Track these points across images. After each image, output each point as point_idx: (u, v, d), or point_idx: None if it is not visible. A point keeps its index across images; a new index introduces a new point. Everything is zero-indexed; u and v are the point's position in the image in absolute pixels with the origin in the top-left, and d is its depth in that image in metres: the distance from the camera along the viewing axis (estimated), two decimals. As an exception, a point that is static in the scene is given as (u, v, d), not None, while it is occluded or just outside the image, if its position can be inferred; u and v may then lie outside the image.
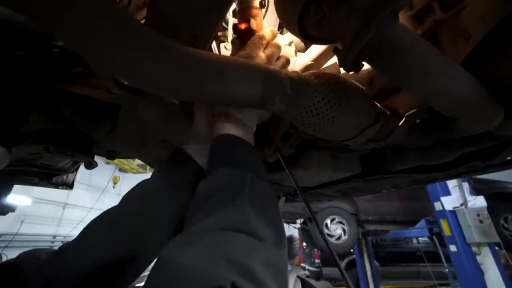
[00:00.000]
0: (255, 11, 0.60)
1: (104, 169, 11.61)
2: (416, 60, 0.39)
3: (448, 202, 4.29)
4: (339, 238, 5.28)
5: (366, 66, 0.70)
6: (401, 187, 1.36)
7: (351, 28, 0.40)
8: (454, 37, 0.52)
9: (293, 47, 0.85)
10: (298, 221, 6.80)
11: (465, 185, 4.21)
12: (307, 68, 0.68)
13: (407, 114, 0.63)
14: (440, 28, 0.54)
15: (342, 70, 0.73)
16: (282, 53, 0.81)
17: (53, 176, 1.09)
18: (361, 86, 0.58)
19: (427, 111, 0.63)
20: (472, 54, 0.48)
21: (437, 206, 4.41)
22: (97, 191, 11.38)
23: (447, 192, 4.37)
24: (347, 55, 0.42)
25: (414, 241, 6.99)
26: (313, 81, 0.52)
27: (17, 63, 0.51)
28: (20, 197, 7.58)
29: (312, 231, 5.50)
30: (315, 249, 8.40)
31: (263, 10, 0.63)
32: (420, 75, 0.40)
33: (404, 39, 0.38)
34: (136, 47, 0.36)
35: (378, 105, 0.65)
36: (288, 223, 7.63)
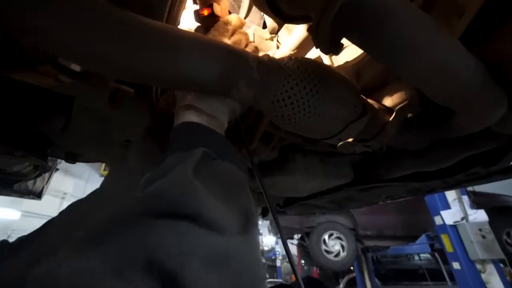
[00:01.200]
0: (216, -5, 0.53)
1: (98, 182, 11.36)
2: (405, 29, 0.32)
3: (449, 216, 4.18)
4: (337, 255, 5.07)
5: (351, 56, 0.64)
6: (398, 198, 1.26)
7: None
8: (447, 14, 0.45)
9: (274, 42, 0.80)
10: (296, 236, 6.58)
11: (465, 198, 4.11)
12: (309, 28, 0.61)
13: (397, 107, 0.56)
14: (432, 4, 0.47)
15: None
16: (261, 46, 0.75)
17: (13, 182, 0.99)
18: (343, 74, 0.51)
19: (420, 105, 0.56)
20: (468, 34, 0.41)
21: (438, 220, 4.29)
22: (89, 204, 11.06)
23: (447, 206, 4.26)
24: (319, 28, 0.35)
25: (416, 257, 6.76)
26: (286, 64, 0.44)
27: None
28: (7, 210, 7.30)
29: (310, 247, 5.29)
30: (314, 267, 8.07)
31: None
32: (411, 48, 0.33)
33: (389, 3, 0.31)
34: (63, 13, 0.29)
35: (365, 98, 0.57)
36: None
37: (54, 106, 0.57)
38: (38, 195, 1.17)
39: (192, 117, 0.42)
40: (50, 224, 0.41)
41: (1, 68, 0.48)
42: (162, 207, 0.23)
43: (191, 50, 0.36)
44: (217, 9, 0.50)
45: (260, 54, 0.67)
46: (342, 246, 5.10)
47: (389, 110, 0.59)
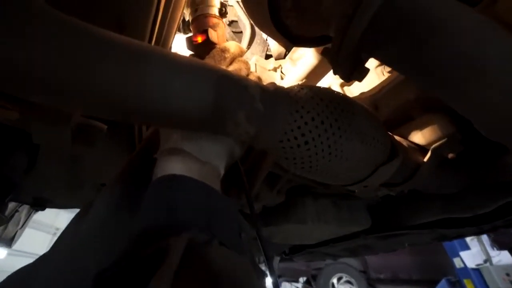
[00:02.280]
0: (214, 20, 0.47)
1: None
2: (463, 42, 0.22)
3: (469, 258, 3.83)
4: (349, 302, 4.56)
5: (366, 86, 0.56)
6: (422, 244, 1.10)
7: (339, 9, 0.25)
8: None
9: (278, 73, 0.73)
10: (301, 279, 6.05)
11: (484, 237, 3.81)
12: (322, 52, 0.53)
13: (433, 146, 0.45)
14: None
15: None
16: (264, 78, 0.68)
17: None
18: (367, 107, 0.42)
19: (462, 143, 0.45)
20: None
21: (457, 263, 3.93)
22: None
23: (465, 246, 3.94)
24: (344, 44, 0.26)
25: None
26: (297, 93, 0.35)
27: None
28: (-9, 249, 6.86)
29: (317, 292, 4.80)
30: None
31: (225, 21, 0.51)
32: (472, 66, 0.23)
33: (437, 8, 0.23)
34: None
35: (392, 136, 0.47)
36: (289, 281, 6.80)
37: (15, 144, 0.47)
38: (8, 242, 1.01)
39: (176, 166, 0.31)
40: None
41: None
42: None
43: (170, 69, 0.26)
44: (213, 35, 0.43)
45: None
46: (353, 292, 4.61)
47: (421, 148, 0.48)
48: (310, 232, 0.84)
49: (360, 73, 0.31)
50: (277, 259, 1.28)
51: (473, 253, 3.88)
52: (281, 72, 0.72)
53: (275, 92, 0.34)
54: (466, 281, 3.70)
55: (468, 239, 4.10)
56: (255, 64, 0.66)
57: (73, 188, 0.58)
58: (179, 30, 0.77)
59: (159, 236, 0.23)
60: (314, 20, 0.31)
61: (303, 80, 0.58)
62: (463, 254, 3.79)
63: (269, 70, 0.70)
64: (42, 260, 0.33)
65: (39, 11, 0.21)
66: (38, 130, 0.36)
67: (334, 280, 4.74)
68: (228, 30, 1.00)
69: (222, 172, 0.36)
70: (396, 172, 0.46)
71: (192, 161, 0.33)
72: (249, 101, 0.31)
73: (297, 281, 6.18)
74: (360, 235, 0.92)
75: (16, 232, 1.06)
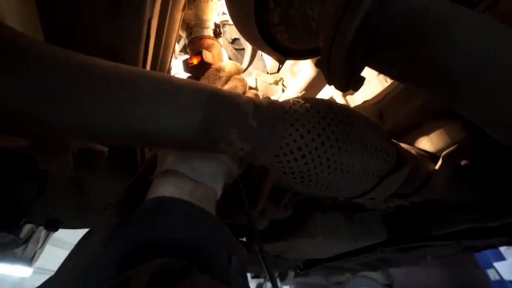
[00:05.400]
0: (209, 41, 0.48)
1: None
2: (461, 41, 0.21)
3: (506, 270, 3.52)
4: (374, 319, 4.27)
5: (369, 94, 0.54)
6: (450, 256, 1.02)
7: (330, 16, 0.24)
8: None
9: (280, 86, 0.73)
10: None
11: (521, 246, 3.50)
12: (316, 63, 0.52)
13: (444, 153, 0.42)
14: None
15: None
16: (265, 91, 0.68)
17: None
18: (368, 116, 0.40)
19: (475, 150, 0.42)
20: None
21: (492, 275, 3.61)
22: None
23: (499, 257, 3.63)
24: (333, 54, 0.25)
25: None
26: (292, 107, 0.34)
27: None
28: (17, 267, 7.10)
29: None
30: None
31: (220, 40, 0.52)
32: (471, 67, 0.21)
33: (437, 9, 0.22)
34: None
35: (399, 144, 0.45)
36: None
37: (26, 170, 0.50)
38: (29, 261, 1.05)
39: (168, 188, 0.31)
40: None
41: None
42: None
43: (154, 91, 0.26)
44: (207, 56, 0.44)
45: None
46: (378, 308, 4.32)
47: (433, 156, 0.45)
48: (322, 246, 0.80)
49: (356, 83, 0.30)
50: (291, 274, 1.23)
51: (510, 263, 3.56)
52: (283, 85, 0.72)
53: (269, 107, 0.33)
54: (504, 296, 3.38)
55: (502, 248, 3.78)
56: (256, 79, 0.67)
57: (82, 209, 0.59)
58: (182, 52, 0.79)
59: (131, 264, 0.22)
60: (304, 32, 0.30)
61: (303, 92, 0.58)
62: (497, 265, 3.49)
63: (270, 83, 0.70)
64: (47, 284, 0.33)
65: (16, 45, 0.21)
66: (40, 157, 0.37)
67: (357, 296, 4.47)
68: (230, 48, 1.02)
69: (219, 192, 0.36)
70: (407, 181, 0.44)
71: (185, 182, 0.32)
72: (242, 118, 0.30)
73: (316, 297, 5.90)
74: (377, 248, 0.87)
75: (36, 251, 1.09)
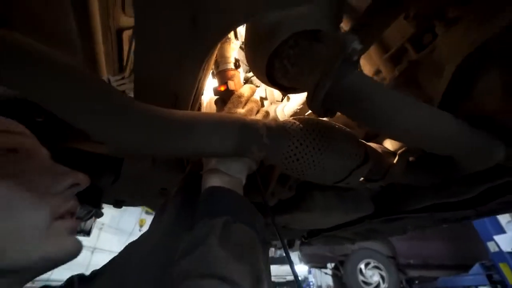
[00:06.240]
0: (231, 73, 0.66)
1: (132, 212, 11.93)
2: (378, 105, 0.39)
3: (505, 242, 3.70)
4: (377, 286, 4.63)
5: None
6: (426, 227, 1.21)
7: (312, 80, 0.42)
8: (430, 76, 0.52)
9: (285, 97, 0.90)
10: (329, 265, 6.16)
11: (521, 220, 3.64)
12: (295, 113, 0.70)
13: (399, 152, 0.61)
14: (416, 68, 0.54)
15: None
16: (273, 100, 0.85)
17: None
18: (344, 127, 0.58)
19: (420, 149, 0.60)
20: (451, 94, 0.47)
21: (492, 247, 3.81)
22: (124, 234, 11.56)
23: (500, 230, 3.80)
24: (312, 104, 0.44)
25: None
26: (291, 127, 0.53)
27: (36, 127, 0.59)
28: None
29: (345, 278, 4.91)
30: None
31: (240, 70, 0.69)
32: (386, 119, 0.39)
33: (362, 86, 0.39)
34: (98, 111, 0.40)
35: (369, 145, 0.63)
36: (318, 268, 6.92)
37: (105, 164, 0.72)
38: (88, 233, 1.34)
39: (215, 180, 0.51)
40: (111, 263, 0.51)
41: (65, 140, 0.63)
42: (201, 270, 0.33)
43: (205, 130, 0.46)
44: (231, 85, 0.62)
45: (271, 107, 0.77)
46: (382, 277, 4.66)
47: (393, 153, 0.64)
48: (319, 219, 1.01)
49: (331, 115, 0.48)
50: (297, 242, 1.48)
51: (509, 236, 3.73)
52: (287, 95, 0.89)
53: (276, 129, 0.52)
54: (501, 265, 3.59)
55: (503, 222, 3.93)
56: (265, 90, 0.84)
57: (142, 192, 0.82)
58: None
59: (207, 221, 0.43)
60: (296, 84, 0.48)
61: (304, 102, 0.75)
62: (497, 238, 3.67)
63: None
64: (134, 244, 0.55)
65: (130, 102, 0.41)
66: (127, 163, 0.58)
67: (362, 266, 4.79)
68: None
69: (244, 181, 0.56)
70: (374, 171, 0.63)
71: (224, 176, 0.53)
72: (259, 139, 0.49)
73: (325, 267, 6.31)
74: (364, 220, 1.08)
75: (92, 225, 1.38)
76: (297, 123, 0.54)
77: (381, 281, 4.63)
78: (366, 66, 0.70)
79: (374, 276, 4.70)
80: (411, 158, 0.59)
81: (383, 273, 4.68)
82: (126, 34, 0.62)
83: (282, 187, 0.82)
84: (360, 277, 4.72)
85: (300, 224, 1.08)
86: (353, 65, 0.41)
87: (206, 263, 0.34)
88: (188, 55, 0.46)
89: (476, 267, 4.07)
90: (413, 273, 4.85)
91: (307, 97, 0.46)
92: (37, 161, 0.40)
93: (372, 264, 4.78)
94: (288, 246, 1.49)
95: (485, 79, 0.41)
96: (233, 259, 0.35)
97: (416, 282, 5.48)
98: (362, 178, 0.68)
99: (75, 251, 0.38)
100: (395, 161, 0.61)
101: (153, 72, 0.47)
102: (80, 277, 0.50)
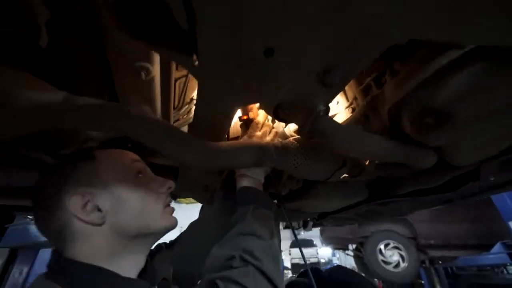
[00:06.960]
0: (250, 106, 0.94)
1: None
2: (336, 139, 0.66)
3: (527, 221, 3.70)
4: (397, 265, 4.83)
5: (340, 120, 0.97)
6: (418, 208, 1.45)
7: (299, 122, 0.70)
8: (383, 108, 0.77)
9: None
10: (351, 247, 6.41)
11: (545, 199, 3.61)
12: (297, 129, 0.98)
13: (369, 157, 0.87)
14: (376, 100, 0.79)
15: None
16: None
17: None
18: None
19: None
20: (392, 122, 0.72)
21: (513, 226, 3.82)
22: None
23: (523, 209, 3.79)
24: (301, 134, 0.72)
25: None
26: (291, 146, 0.82)
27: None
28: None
29: (366, 258, 5.16)
30: (375, 279, 7.60)
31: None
32: (345, 146, 0.67)
33: (327, 128, 0.66)
34: (171, 143, 0.72)
35: (349, 151, 0.90)
36: (339, 249, 7.17)
37: (168, 172, 1.06)
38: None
39: (245, 182, 0.83)
40: (181, 234, 0.87)
41: (144, 158, 0.97)
42: (244, 231, 0.65)
43: (238, 154, 0.75)
44: (251, 115, 0.92)
45: (280, 124, 1.05)
46: (402, 256, 4.84)
47: (366, 157, 0.90)
48: (324, 204, 1.30)
49: (319, 138, 0.76)
50: (310, 223, 1.79)
51: (533, 216, 3.72)
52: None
53: (281, 148, 0.81)
54: (523, 244, 3.63)
55: (526, 202, 3.90)
56: (276, 109, 1.12)
57: (192, 189, 1.16)
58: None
59: (243, 207, 0.75)
60: (294, 119, 0.76)
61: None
62: (519, 217, 3.68)
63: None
64: (194, 223, 0.91)
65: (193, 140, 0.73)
66: (182, 170, 0.91)
67: (382, 246, 5.00)
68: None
69: (263, 181, 0.87)
70: (352, 170, 0.90)
71: (250, 179, 0.84)
72: (270, 156, 0.79)
73: (346, 249, 6.57)
74: (362, 204, 1.35)
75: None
76: (295, 142, 0.82)
77: (400, 261, 4.82)
78: (349, 92, 0.95)
79: (393, 256, 4.89)
80: (376, 161, 0.85)
81: (403, 253, 4.85)
82: (177, 83, 0.93)
83: (291, 180, 1.12)
84: (380, 257, 4.95)
85: (309, 208, 1.37)
86: (326, 113, 0.68)
87: (247, 227, 0.66)
88: (232, 109, 0.76)
89: (498, 246, 4.12)
90: (434, 253, 4.97)
91: (298, 129, 0.74)
92: (149, 175, 0.73)
93: (392, 245, 4.95)
94: (304, 226, 1.80)
95: (403, 116, 0.66)
96: (259, 225, 0.67)
97: (440, 262, 5.57)
98: (345, 175, 0.95)
99: (175, 224, 0.71)
100: (366, 163, 0.88)
101: (210, 116, 0.77)
102: (165, 244, 0.85)
